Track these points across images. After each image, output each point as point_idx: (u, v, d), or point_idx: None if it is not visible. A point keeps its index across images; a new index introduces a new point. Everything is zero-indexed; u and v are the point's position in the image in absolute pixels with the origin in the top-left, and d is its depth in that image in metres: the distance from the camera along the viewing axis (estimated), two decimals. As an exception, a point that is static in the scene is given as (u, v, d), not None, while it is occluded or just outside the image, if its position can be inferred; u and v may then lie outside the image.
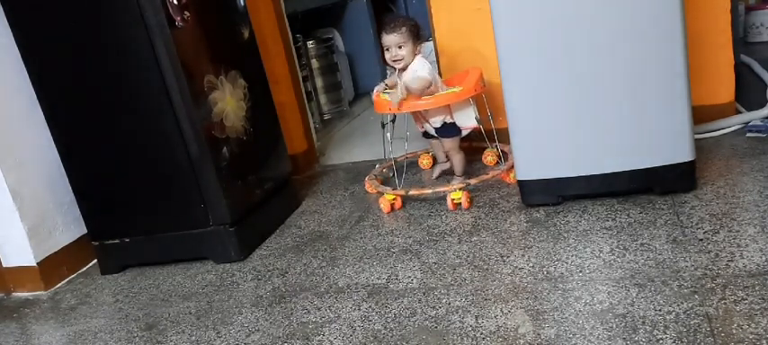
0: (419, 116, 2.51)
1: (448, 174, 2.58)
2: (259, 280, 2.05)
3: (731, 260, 1.59)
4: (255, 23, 2.54)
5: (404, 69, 2.37)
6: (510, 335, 1.49)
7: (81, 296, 2.25)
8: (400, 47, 2.34)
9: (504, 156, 2.47)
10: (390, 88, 2.51)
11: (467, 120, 2.42)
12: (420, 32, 2.39)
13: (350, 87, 4.21)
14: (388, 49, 2.36)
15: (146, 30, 1.99)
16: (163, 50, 2.01)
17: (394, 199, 2.38)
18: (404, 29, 2.33)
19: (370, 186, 2.54)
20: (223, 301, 1.97)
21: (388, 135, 2.52)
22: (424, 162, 2.76)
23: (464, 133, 2.46)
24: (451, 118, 2.41)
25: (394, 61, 2.36)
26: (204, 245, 2.25)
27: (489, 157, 2.61)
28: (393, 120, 2.51)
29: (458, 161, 2.46)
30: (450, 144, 2.45)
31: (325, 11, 4.04)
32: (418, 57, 2.37)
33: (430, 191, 2.38)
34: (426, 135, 2.55)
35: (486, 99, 2.45)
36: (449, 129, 2.43)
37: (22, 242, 2.30)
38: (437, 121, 2.42)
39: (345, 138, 3.58)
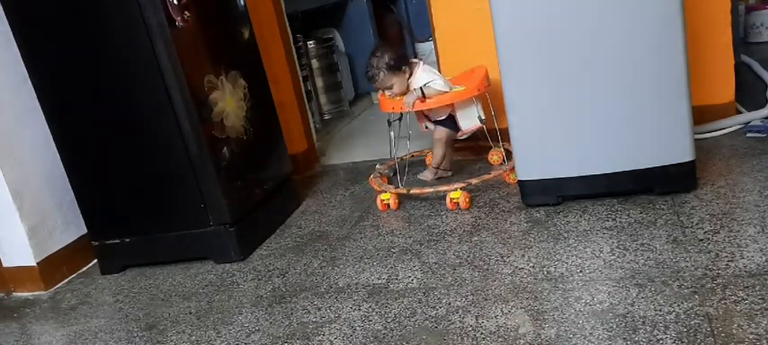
0: (422, 115, 2.51)
1: (444, 176, 2.58)
2: (259, 280, 2.05)
3: (731, 261, 1.59)
4: (255, 23, 2.54)
5: (409, 76, 2.39)
6: (510, 335, 1.49)
7: (81, 296, 2.25)
8: (390, 87, 2.39)
9: (508, 156, 2.47)
10: None
11: (469, 122, 2.42)
12: (400, 58, 2.40)
13: (350, 87, 4.21)
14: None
15: (146, 30, 1.99)
16: (163, 50, 2.01)
17: (389, 199, 2.38)
18: (380, 73, 2.37)
19: (375, 183, 2.54)
20: (223, 301, 1.97)
21: (392, 133, 2.52)
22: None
23: (463, 135, 2.47)
24: (456, 115, 2.43)
25: (394, 95, 2.42)
26: (204, 245, 2.25)
27: (495, 156, 2.61)
28: (399, 119, 2.52)
29: (437, 152, 2.48)
30: (440, 134, 2.46)
31: (325, 11, 4.04)
32: (421, 68, 2.38)
33: (431, 191, 2.38)
34: None
35: (491, 98, 2.44)
36: (449, 123, 2.44)
37: (22, 242, 2.29)
38: (442, 117, 2.43)
39: (345, 138, 3.58)
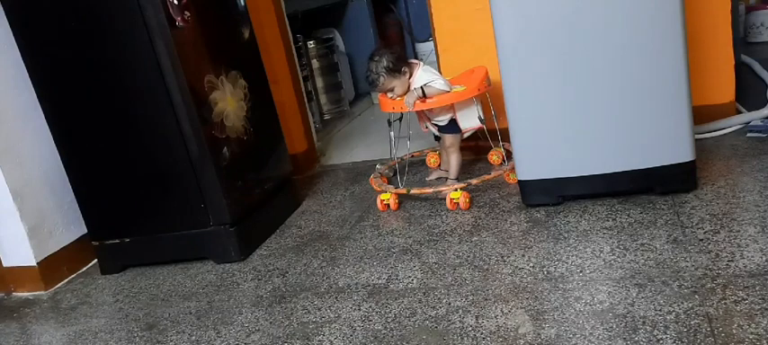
0: (422, 115, 2.51)
1: (444, 176, 2.57)
2: (259, 280, 2.06)
3: (731, 261, 1.59)
4: (256, 23, 2.54)
5: (409, 76, 2.38)
6: (510, 335, 1.49)
7: (81, 296, 2.25)
8: (392, 89, 2.37)
9: (508, 156, 2.46)
10: None
11: (469, 121, 2.41)
12: (399, 59, 2.36)
13: (350, 87, 4.21)
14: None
15: (146, 30, 1.99)
16: (163, 50, 2.01)
17: (388, 199, 2.38)
18: (380, 77, 2.34)
19: (375, 183, 2.54)
20: (223, 301, 1.97)
21: (392, 133, 2.52)
22: (432, 160, 2.75)
23: (465, 134, 2.46)
24: (456, 115, 2.42)
25: (396, 96, 2.40)
26: (204, 245, 2.25)
27: (495, 157, 2.61)
28: (400, 119, 2.52)
29: (454, 161, 2.45)
30: (451, 140, 2.45)
31: (325, 11, 4.04)
32: (421, 68, 2.37)
33: (431, 191, 2.38)
34: (438, 138, 2.56)
35: (491, 98, 2.44)
36: (453, 126, 2.43)
37: (22, 242, 2.30)
38: (444, 119, 2.42)
39: (346, 138, 3.58)
